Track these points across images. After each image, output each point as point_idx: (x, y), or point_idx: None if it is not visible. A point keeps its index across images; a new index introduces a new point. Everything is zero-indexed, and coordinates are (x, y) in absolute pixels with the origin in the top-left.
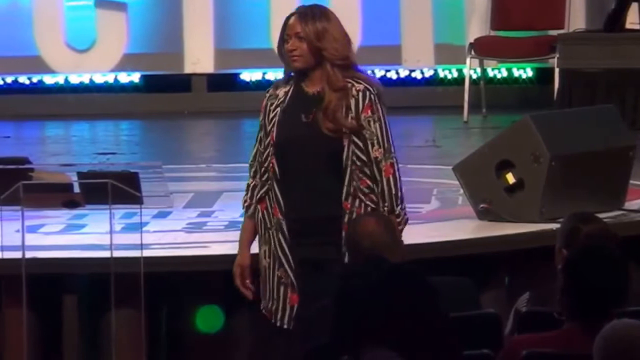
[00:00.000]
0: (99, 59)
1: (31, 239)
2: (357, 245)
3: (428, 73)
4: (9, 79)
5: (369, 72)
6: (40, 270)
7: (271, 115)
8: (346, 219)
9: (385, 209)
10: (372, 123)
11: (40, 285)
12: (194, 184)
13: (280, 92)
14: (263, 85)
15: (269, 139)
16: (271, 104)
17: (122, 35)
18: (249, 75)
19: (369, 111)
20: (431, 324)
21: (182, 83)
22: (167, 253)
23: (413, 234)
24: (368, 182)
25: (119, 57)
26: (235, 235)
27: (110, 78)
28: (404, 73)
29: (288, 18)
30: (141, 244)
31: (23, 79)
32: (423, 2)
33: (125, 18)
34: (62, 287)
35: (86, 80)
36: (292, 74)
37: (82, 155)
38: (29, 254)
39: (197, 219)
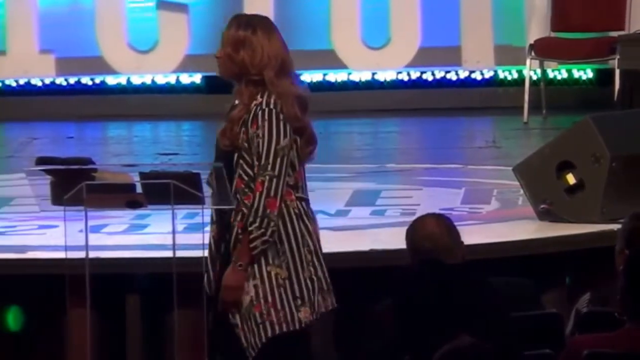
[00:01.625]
0: (160, 60)
1: (94, 239)
2: (418, 246)
3: (488, 74)
4: (72, 80)
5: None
6: (104, 270)
7: None
8: (233, 236)
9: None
10: (255, 139)
11: (104, 285)
12: None
13: None
14: (324, 86)
15: None
16: None
17: (184, 36)
18: (309, 76)
19: (255, 127)
20: (492, 324)
21: None
22: None
23: (473, 235)
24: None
25: (180, 58)
26: None
27: (172, 79)
28: (463, 74)
29: None
30: (203, 244)
31: (86, 80)
32: (483, 3)
33: (187, 19)
34: (125, 287)
35: (148, 81)
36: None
37: (144, 156)
38: (92, 254)
39: None
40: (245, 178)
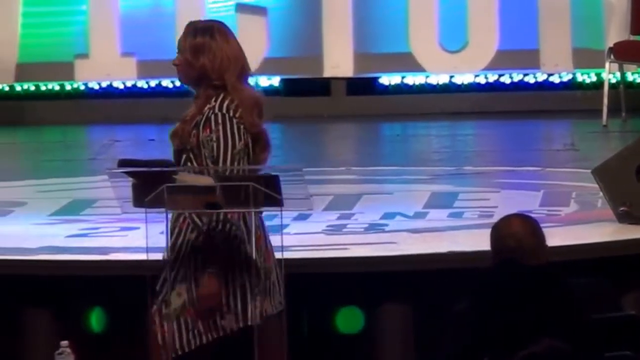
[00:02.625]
0: None
1: None
2: (501, 245)
3: (566, 77)
4: (153, 83)
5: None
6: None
7: None
8: (174, 236)
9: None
10: (209, 143)
11: None
12: (334, 187)
13: None
14: (402, 89)
15: None
16: None
17: (262, 39)
18: (387, 79)
19: (208, 131)
20: (572, 326)
21: (321, 87)
22: (307, 255)
23: (552, 237)
24: None
25: (259, 61)
26: (376, 237)
27: (250, 82)
28: (541, 77)
29: None
30: (282, 246)
31: (166, 83)
32: (561, 7)
33: (265, 22)
34: None
35: None
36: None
37: None
38: None
39: (336, 222)
40: None
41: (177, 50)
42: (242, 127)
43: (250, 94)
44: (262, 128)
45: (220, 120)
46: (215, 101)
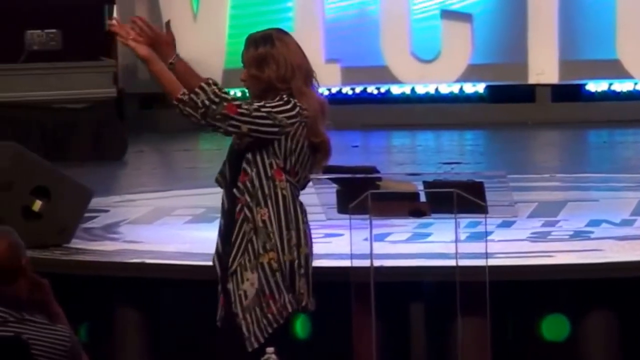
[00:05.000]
0: (444, 70)
1: (378, 248)
2: None
3: None
4: (358, 89)
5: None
6: (388, 279)
7: None
8: (236, 228)
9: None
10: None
11: (388, 293)
12: (538, 194)
13: None
14: (609, 96)
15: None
16: None
17: (467, 46)
18: (594, 85)
19: None
20: None
21: (526, 93)
22: (512, 262)
23: None
24: (248, 184)
25: (463, 68)
26: (582, 245)
27: (455, 88)
28: None
29: None
30: (486, 253)
31: (371, 89)
32: None
33: (470, 28)
34: (408, 295)
35: (432, 91)
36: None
37: (427, 165)
38: (376, 263)
39: (541, 229)
40: (250, 172)
41: (242, 65)
42: (302, 126)
43: (317, 99)
44: (325, 138)
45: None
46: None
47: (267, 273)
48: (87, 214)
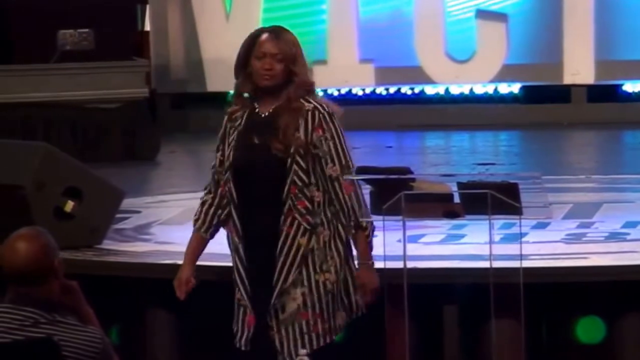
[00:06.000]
0: (478, 70)
1: (412, 249)
2: None
3: None
4: (392, 90)
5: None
6: (421, 280)
7: (230, 139)
8: (281, 240)
9: (352, 224)
10: (324, 142)
11: (421, 295)
12: (573, 195)
13: (237, 114)
14: None
15: (227, 163)
16: (230, 127)
17: (502, 46)
18: (631, 86)
19: (320, 131)
20: None
21: (561, 94)
22: (547, 264)
23: None
24: (306, 203)
25: (498, 68)
26: (617, 246)
27: (490, 89)
28: None
29: (258, 36)
30: (520, 255)
31: (405, 90)
32: None
33: (505, 28)
34: (442, 297)
35: (466, 91)
36: (246, 94)
37: (461, 166)
38: (410, 264)
39: (576, 230)
40: (299, 184)
41: (262, 57)
42: None
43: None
44: None
45: (328, 119)
46: (309, 103)
47: (321, 292)
48: (118, 215)
